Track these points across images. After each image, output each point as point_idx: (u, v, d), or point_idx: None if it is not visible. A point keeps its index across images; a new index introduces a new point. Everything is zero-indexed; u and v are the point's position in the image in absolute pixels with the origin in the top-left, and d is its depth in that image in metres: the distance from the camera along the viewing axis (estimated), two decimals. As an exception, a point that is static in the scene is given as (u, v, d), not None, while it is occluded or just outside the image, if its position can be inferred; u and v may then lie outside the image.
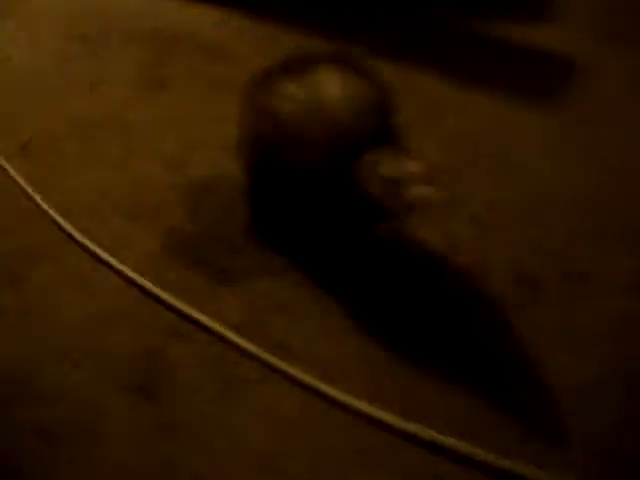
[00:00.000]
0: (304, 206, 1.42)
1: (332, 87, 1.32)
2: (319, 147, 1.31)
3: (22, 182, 1.70)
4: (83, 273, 1.47)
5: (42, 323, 1.37)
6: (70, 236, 1.55)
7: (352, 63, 1.40)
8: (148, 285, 1.41)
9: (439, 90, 2.08)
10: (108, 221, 1.60)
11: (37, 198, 1.65)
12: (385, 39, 2.34)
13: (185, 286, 1.43)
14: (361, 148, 1.27)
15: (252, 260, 1.51)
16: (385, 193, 1.22)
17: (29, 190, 1.67)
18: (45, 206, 1.62)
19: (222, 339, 1.33)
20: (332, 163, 1.30)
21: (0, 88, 2.11)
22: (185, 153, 1.80)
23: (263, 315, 1.39)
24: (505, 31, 2.45)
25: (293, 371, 1.26)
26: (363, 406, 1.22)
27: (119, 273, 1.45)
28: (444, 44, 2.34)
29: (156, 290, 1.40)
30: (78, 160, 1.80)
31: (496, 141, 1.87)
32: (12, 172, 1.73)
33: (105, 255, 1.49)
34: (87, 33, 2.42)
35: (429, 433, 1.16)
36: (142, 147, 1.84)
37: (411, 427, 1.18)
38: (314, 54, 1.44)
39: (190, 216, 1.61)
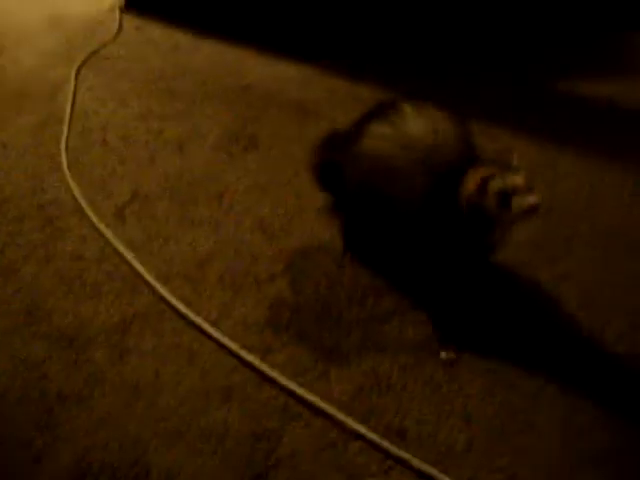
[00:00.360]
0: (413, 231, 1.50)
1: (416, 122, 1.46)
2: (415, 177, 1.44)
3: (122, 248, 1.70)
4: (189, 347, 1.46)
5: (152, 400, 1.35)
6: (174, 307, 1.54)
7: (431, 104, 1.53)
8: (260, 365, 1.39)
9: (527, 151, 2.05)
10: (211, 291, 1.59)
11: (138, 266, 1.65)
12: (470, 97, 2.32)
13: (293, 365, 1.41)
14: (451, 172, 1.40)
15: (356, 336, 1.48)
16: (499, 206, 1.33)
17: (129, 257, 1.68)
18: (147, 275, 1.62)
19: (338, 424, 1.29)
20: (431, 188, 1.42)
21: (91, 150, 2.14)
22: (282, 221, 1.79)
23: (373, 395, 1.36)
24: (592, 89, 2.41)
25: (413, 461, 1.22)
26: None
27: (227, 349, 1.43)
28: (531, 103, 2.31)
29: (269, 371, 1.38)
30: (174, 224, 1.80)
31: (590, 212, 1.82)
32: (111, 238, 1.73)
33: (213, 331, 1.47)
34: (173, 91, 2.45)
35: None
36: (237, 212, 1.83)
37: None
38: (396, 100, 1.56)
39: (292, 288, 1.59)
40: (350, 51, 2.65)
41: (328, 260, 1.66)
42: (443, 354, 1.44)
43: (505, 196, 1.32)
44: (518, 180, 1.33)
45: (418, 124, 1.46)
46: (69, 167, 2.02)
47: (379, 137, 1.50)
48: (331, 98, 2.37)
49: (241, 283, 1.61)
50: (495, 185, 1.33)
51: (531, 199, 1.31)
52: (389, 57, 2.63)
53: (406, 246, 1.58)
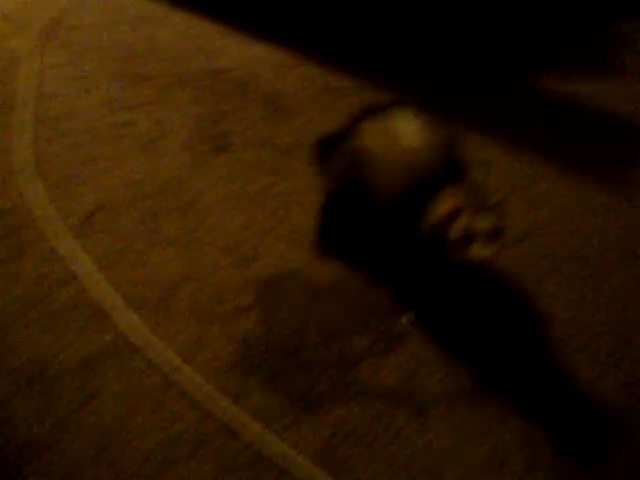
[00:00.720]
0: (379, 232, 1.56)
1: (409, 129, 1.48)
2: (397, 182, 1.46)
3: (87, 270, 1.65)
4: (158, 390, 1.43)
5: (122, 449, 1.33)
6: (141, 345, 1.51)
7: (422, 111, 1.54)
8: (231, 415, 1.38)
9: (508, 164, 2.01)
10: (180, 323, 1.55)
11: (104, 293, 1.60)
12: (449, 98, 2.26)
13: (264, 412, 1.39)
14: (435, 183, 1.41)
15: (327, 379, 1.46)
16: (459, 243, 1.35)
17: (95, 281, 1.63)
18: (113, 304, 1.58)
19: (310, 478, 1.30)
20: (408, 196, 1.43)
21: (54, 144, 2.05)
22: (254, 241, 1.74)
23: (343, 447, 1.35)
24: (573, 87, 2.36)
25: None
26: None
27: (196, 399, 1.42)
28: (510, 107, 2.26)
29: (240, 421, 1.36)
30: (142, 241, 1.74)
31: (569, 232, 1.80)
32: (76, 257, 1.68)
33: (182, 376, 1.45)
34: (142, 74, 2.34)
35: None
36: (207, 229, 1.78)
37: None
38: (390, 103, 1.57)
39: (263, 322, 1.56)
40: (324, 36, 2.55)
41: (300, 291, 1.63)
42: (404, 319, 1.56)
43: (467, 238, 1.35)
44: (485, 224, 1.34)
45: (411, 128, 1.49)
46: (31, 167, 1.94)
47: (373, 134, 1.52)
48: (306, 89, 2.29)
49: (211, 314, 1.57)
50: (461, 224, 1.36)
51: (488, 251, 1.33)
52: (363, 45, 2.53)
53: (378, 235, 1.61)
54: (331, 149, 1.65)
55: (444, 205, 1.37)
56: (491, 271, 1.64)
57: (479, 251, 1.33)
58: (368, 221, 1.57)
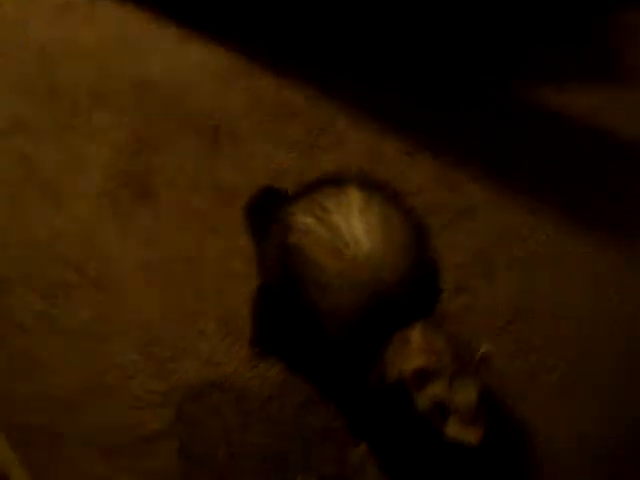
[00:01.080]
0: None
1: (361, 225, 1.11)
2: (344, 303, 1.10)
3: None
4: None
5: None
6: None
7: (380, 191, 1.20)
8: None
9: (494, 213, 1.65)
10: (77, 460, 1.22)
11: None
12: (418, 119, 1.88)
13: None
14: (396, 307, 1.08)
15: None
16: (430, 412, 1.03)
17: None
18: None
19: None
20: (360, 325, 1.10)
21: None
22: (176, 334, 1.39)
23: None
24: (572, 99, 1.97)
25: None
26: None
27: None
28: (497, 129, 1.87)
29: None
30: (37, 332, 1.39)
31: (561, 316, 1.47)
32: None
33: None
34: (54, 86, 1.93)
35: None
36: (118, 315, 1.42)
37: None
38: (338, 181, 1.21)
39: (185, 455, 1.23)
40: (275, 35, 2.11)
41: (230, 407, 1.30)
42: (357, 451, 1.23)
43: (442, 411, 1.02)
44: (464, 398, 1.01)
45: (364, 223, 1.11)
46: None
47: (308, 232, 1.15)
48: (252, 108, 1.90)
49: (116, 447, 1.24)
50: (431, 394, 1.02)
51: (471, 436, 1.00)
52: (321, 46, 2.10)
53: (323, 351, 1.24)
54: (264, 222, 1.30)
55: (409, 362, 1.03)
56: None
57: (457, 433, 1.00)
58: (310, 333, 1.21)
